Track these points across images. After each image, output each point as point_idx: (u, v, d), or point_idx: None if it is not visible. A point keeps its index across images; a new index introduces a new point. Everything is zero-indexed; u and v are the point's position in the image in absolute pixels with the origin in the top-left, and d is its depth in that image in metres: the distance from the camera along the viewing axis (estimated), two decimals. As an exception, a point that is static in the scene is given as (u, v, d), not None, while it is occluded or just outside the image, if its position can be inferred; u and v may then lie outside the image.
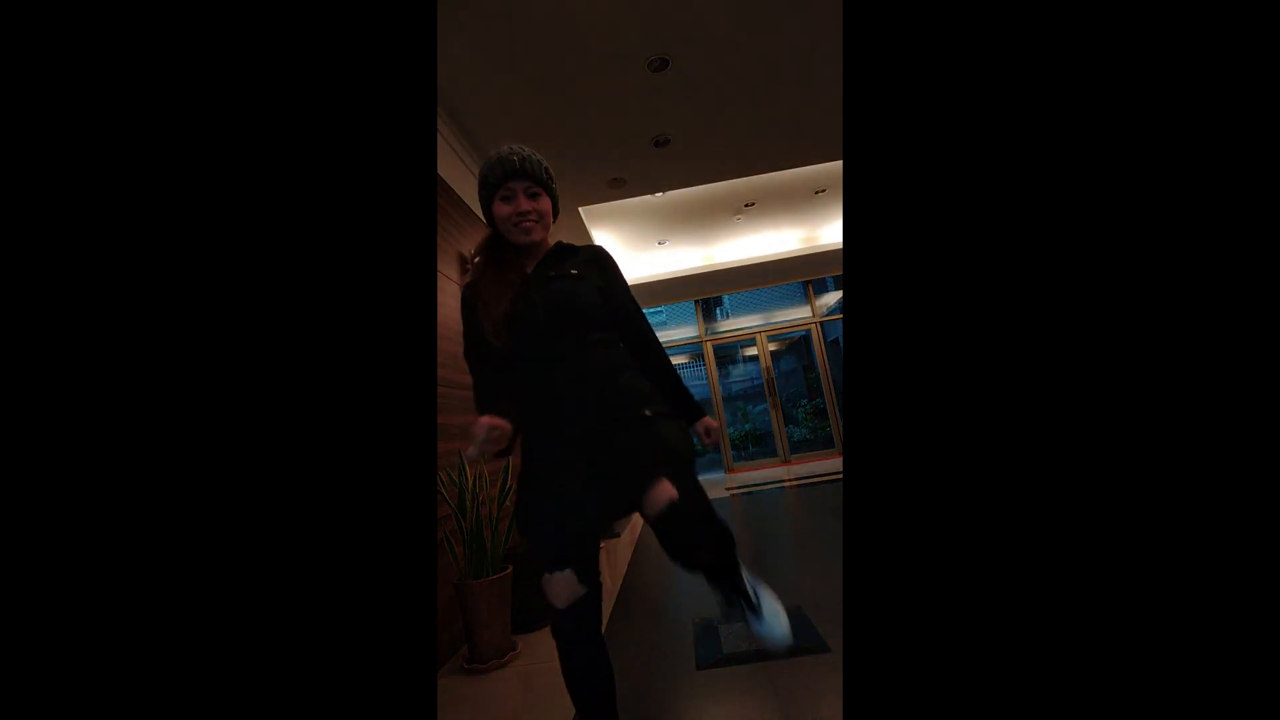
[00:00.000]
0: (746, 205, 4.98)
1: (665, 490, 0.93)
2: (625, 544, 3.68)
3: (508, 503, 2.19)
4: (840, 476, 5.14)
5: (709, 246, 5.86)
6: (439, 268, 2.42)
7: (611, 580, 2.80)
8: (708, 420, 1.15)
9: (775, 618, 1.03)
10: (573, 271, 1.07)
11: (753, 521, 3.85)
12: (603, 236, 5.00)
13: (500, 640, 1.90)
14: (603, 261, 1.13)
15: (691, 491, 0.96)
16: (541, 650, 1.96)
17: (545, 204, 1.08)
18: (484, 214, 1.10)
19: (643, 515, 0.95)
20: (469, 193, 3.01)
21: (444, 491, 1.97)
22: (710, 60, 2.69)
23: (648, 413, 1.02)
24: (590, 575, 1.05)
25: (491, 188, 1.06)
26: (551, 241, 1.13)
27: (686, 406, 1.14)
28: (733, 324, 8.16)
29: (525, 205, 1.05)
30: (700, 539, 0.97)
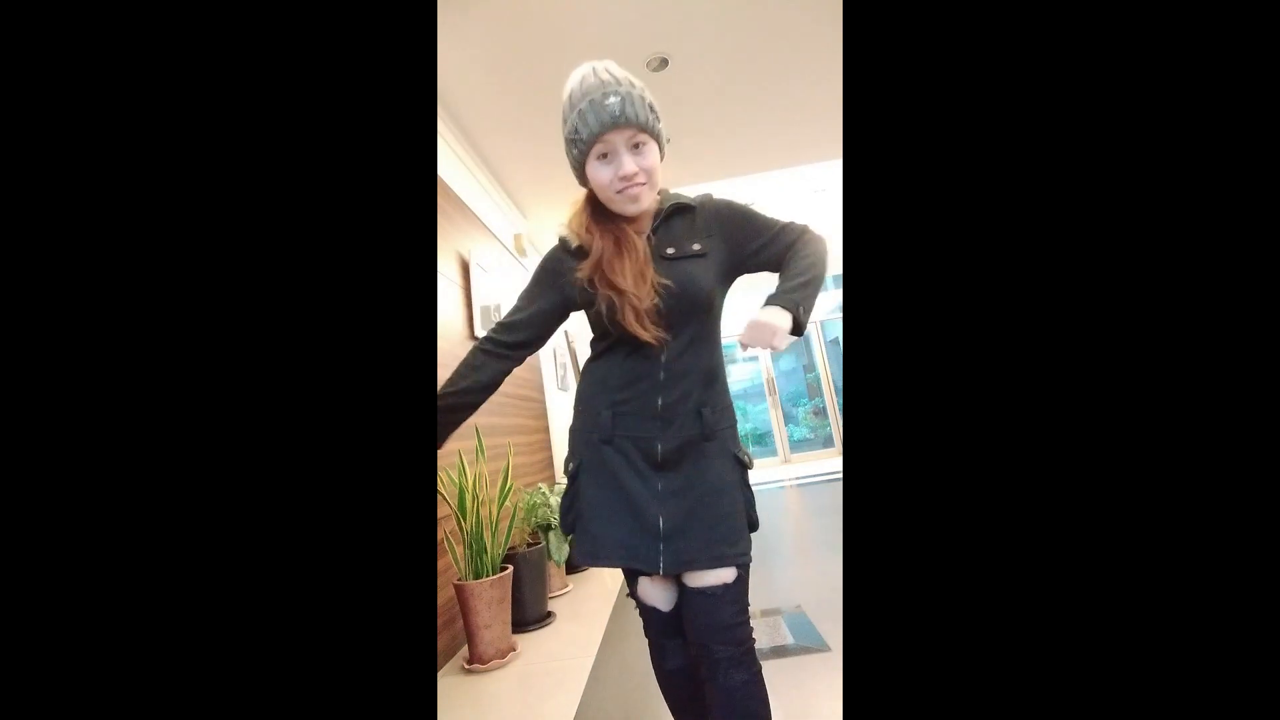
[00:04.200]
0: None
1: (727, 574, 0.86)
2: (625, 544, 3.67)
3: (507, 503, 2.19)
4: (840, 476, 5.14)
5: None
6: (439, 268, 2.42)
7: (612, 580, 2.79)
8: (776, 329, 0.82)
9: None
10: (695, 247, 0.88)
11: (753, 521, 3.84)
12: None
13: (500, 640, 1.90)
14: (724, 219, 0.93)
15: (743, 580, 0.88)
16: (542, 650, 1.96)
17: (652, 155, 0.85)
18: (576, 175, 0.88)
19: (685, 579, 0.88)
20: (469, 193, 3.01)
21: (444, 492, 1.97)
22: (710, 60, 2.69)
23: (745, 458, 0.92)
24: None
25: (587, 142, 0.82)
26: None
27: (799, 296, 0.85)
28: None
29: (629, 166, 0.82)
30: (719, 628, 0.85)
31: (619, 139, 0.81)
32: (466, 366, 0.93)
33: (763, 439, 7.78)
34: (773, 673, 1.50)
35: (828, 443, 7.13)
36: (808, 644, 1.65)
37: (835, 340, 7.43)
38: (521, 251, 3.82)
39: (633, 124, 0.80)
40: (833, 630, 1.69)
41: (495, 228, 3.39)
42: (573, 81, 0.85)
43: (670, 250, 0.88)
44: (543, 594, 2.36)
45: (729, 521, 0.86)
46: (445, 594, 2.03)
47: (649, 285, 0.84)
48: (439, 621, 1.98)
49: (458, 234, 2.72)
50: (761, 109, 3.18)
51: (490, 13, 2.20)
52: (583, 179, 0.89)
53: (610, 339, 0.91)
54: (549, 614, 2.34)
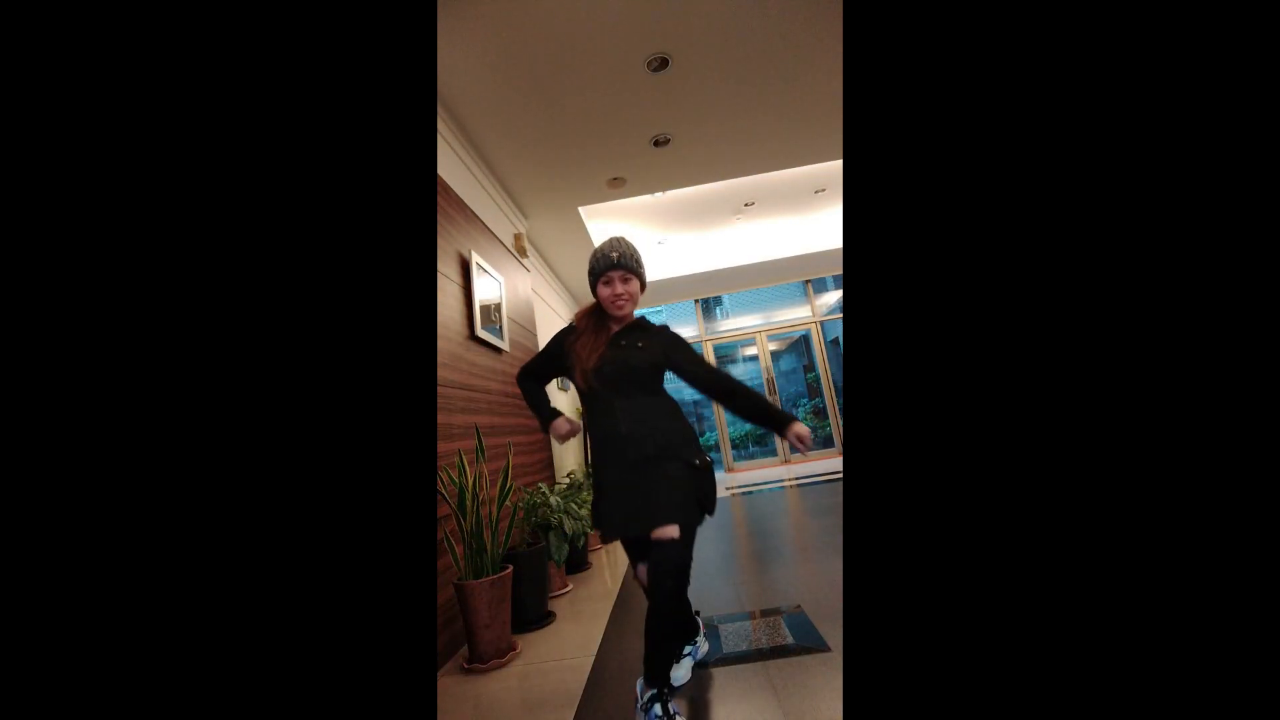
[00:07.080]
0: (746, 205, 4.98)
1: (672, 529, 1.31)
2: (625, 544, 3.67)
3: (507, 503, 2.19)
4: (840, 476, 5.14)
5: (708, 246, 5.86)
6: (439, 268, 2.42)
7: (611, 580, 2.80)
8: (799, 429, 1.37)
9: None
10: (639, 344, 1.45)
11: (753, 521, 3.85)
12: (601, 236, 5.00)
13: (500, 640, 1.90)
14: (667, 338, 1.50)
15: (687, 543, 1.33)
16: (541, 650, 1.96)
17: (634, 286, 1.47)
18: (591, 291, 1.51)
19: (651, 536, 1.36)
20: (469, 193, 3.01)
21: (444, 491, 1.97)
22: (710, 60, 2.69)
23: (697, 462, 1.39)
24: None
25: (597, 274, 1.46)
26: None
27: (777, 417, 1.41)
28: (732, 323, 8.16)
29: (619, 289, 1.44)
30: (664, 575, 1.32)
31: (616, 275, 1.44)
32: (530, 391, 1.59)
33: (763, 439, 7.78)
34: (773, 673, 1.51)
35: (828, 443, 7.14)
36: (808, 644, 1.65)
37: (835, 340, 7.43)
38: (522, 251, 3.82)
39: (623, 268, 1.43)
40: (833, 630, 1.69)
41: (495, 228, 3.40)
42: (600, 243, 1.47)
43: (623, 342, 1.46)
44: (543, 594, 2.36)
45: (670, 504, 1.33)
46: (445, 594, 2.03)
47: (596, 357, 1.43)
48: (439, 621, 1.98)
49: (458, 234, 2.72)
50: (761, 109, 3.18)
51: (490, 13, 2.20)
52: (594, 293, 1.50)
53: (583, 394, 1.47)
54: (549, 614, 2.34)
